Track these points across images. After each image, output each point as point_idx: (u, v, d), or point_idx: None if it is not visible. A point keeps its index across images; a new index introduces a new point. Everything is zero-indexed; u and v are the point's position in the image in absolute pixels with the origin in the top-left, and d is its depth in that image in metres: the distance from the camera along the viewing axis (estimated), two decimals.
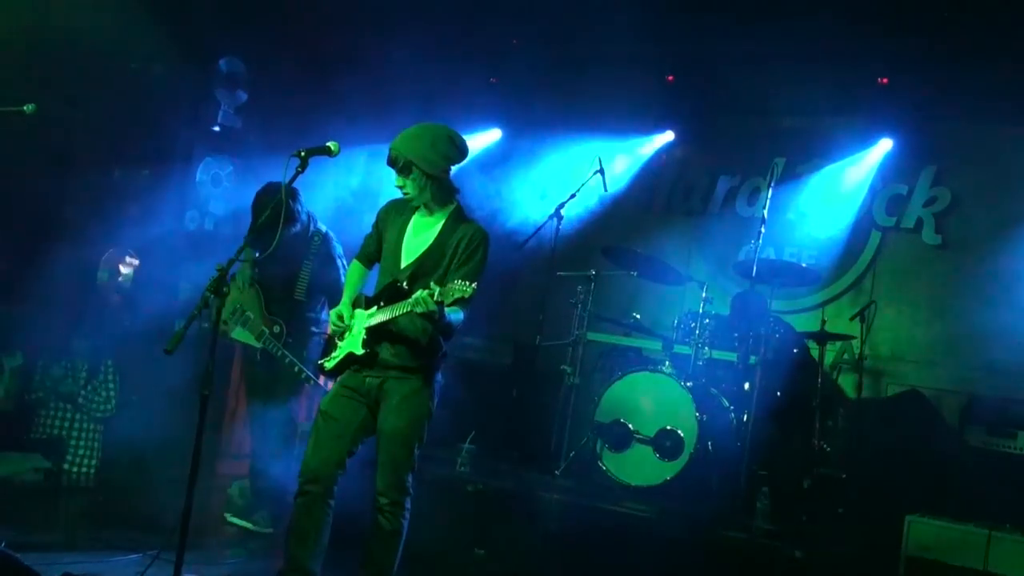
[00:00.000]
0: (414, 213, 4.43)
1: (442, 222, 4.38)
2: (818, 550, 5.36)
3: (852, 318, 7.10)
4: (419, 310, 4.00)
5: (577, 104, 8.61)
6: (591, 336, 7.21)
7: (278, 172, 4.23)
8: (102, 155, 7.43)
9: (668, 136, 8.67)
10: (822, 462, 6.56)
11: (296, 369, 5.78)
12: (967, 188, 7.46)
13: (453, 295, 3.89)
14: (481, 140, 9.09)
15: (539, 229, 7.04)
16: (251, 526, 5.93)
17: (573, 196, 7.05)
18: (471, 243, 4.30)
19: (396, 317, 4.20)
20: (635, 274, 7.23)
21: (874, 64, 7.49)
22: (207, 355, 4.13)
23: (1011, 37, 6.78)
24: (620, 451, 6.45)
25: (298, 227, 5.87)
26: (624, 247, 7.38)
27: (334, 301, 5.65)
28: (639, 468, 6.35)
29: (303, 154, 4.14)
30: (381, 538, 4.28)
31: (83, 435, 6.87)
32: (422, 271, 4.29)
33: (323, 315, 6.09)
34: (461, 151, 4.36)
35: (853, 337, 7.02)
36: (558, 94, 8.64)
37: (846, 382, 7.35)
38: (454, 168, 4.38)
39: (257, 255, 5.89)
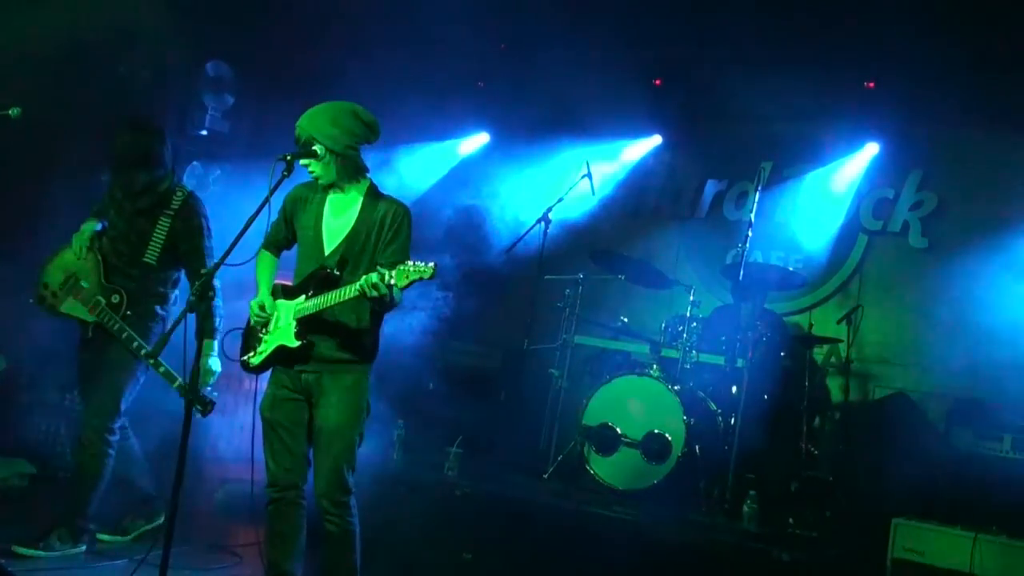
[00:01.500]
0: (327, 194, 4.27)
1: (360, 200, 4.23)
2: (805, 553, 5.36)
3: (839, 321, 7.13)
4: (372, 294, 3.85)
5: (565, 108, 8.62)
6: (579, 340, 7.23)
7: (265, 176, 4.18)
8: (89, 159, 7.40)
9: (656, 140, 8.69)
10: (809, 465, 6.58)
11: (135, 345, 4.96)
12: (953, 192, 7.50)
13: (410, 277, 3.75)
14: (469, 144, 9.10)
15: (527, 233, 7.04)
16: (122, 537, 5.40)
17: (561, 200, 7.07)
18: (395, 219, 4.17)
19: (332, 305, 4.05)
20: (623, 278, 7.25)
21: (861, 69, 7.53)
22: (192, 359, 4.14)
23: (997, 43, 6.82)
24: (608, 454, 6.45)
25: (160, 173, 5.13)
26: (612, 251, 7.39)
27: (192, 276, 5.13)
28: (626, 471, 6.35)
29: (289, 158, 4.07)
30: (334, 544, 4.14)
31: (69, 440, 6.84)
32: (350, 253, 4.16)
33: (173, 294, 5.29)
34: (368, 126, 4.20)
35: (840, 340, 7.04)
36: (546, 98, 8.65)
37: (833, 385, 7.37)
38: (365, 146, 4.25)
39: (99, 227, 5.18)
